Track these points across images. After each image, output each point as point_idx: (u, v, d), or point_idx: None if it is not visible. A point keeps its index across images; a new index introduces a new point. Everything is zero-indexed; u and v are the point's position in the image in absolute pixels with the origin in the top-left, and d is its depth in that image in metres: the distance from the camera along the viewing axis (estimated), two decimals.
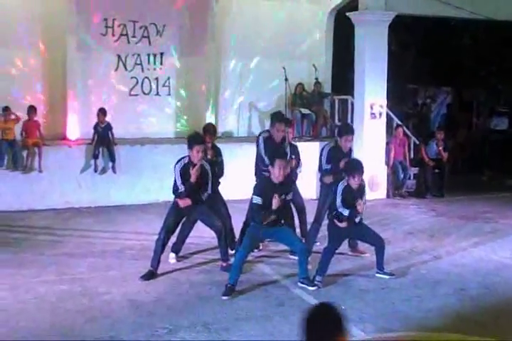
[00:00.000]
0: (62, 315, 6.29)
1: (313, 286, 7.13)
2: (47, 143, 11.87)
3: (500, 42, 18.28)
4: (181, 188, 7.50)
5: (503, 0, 14.37)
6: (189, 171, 7.48)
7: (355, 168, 7.53)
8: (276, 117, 8.67)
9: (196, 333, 5.86)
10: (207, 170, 7.69)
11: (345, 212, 7.35)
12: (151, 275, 7.52)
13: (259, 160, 8.49)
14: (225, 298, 6.81)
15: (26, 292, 6.96)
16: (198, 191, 7.60)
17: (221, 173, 8.43)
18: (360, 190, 7.54)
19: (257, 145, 8.57)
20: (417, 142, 14.45)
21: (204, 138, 8.06)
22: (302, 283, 7.19)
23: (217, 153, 8.51)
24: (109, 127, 12.15)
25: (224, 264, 7.76)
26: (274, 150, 8.12)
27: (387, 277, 7.56)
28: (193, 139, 7.62)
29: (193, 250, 8.66)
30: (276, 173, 7.06)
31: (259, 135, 8.76)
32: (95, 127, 12.16)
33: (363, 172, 7.51)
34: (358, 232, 7.68)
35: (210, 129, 8.78)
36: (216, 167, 8.27)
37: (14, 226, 10.22)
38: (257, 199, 7.09)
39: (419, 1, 13.48)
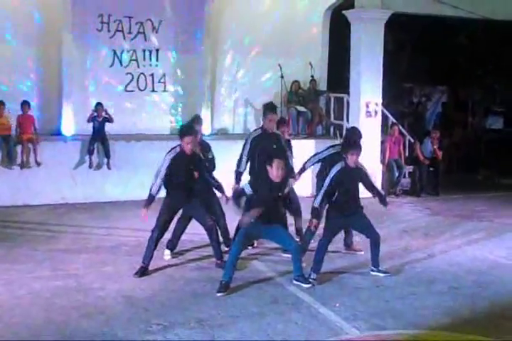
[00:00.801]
0: (56, 310, 6.28)
1: (307, 284, 7.13)
2: (42, 138, 11.82)
3: (497, 42, 18.29)
4: (157, 185, 7.52)
5: None
6: (180, 161, 7.50)
7: (351, 144, 7.71)
8: (268, 107, 8.59)
9: (190, 329, 5.86)
10: (200, 159, 7.78)
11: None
12: (143, 271, 7.51)
13: (240, 158, 8.45)
14: (219, 294, 6.80)
15: (20, 287, 6.95)
16: (190, 181, 7.65)
17: (213, 168, 8.47)
18: (359, 172, 7.65)
19: (244, 143, 8.48)
20: (412, 140, 14.47)
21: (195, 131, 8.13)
22: (297, 280, 7.19)
23: (207, 149, 8.48)
24: (105, 122, 12.13)
25: (218, 262, 7.77)
26: (271, 148, 8.13)
27: (381, 275, 7.57)
28: (183, 130, 7.63)
29: (188, 247, 8.67)
30: (275, 173, 7.03)
31: (250, 134, 8.68)
32: (93, 121, 12.11)
33: (360, 148, 7.70)
34: (355, 222, 7.73)
35: (200, 121, 8.80)
36: (207, 163, 8.32)
37: (9, 222, 10.20)
38: (247, 187, 7.08)
39: (415, 0, 13.49)
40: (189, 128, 7.80)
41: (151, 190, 7.60)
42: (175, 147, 7.67)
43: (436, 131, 14.21)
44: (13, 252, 8.39)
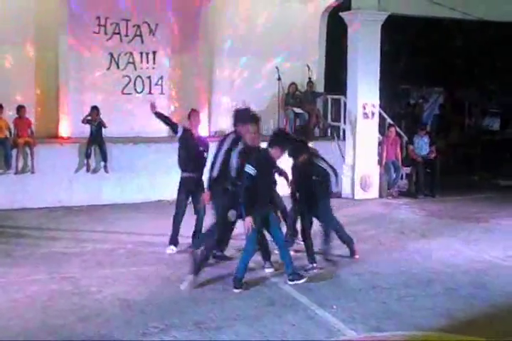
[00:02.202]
0: (53, 313, 6.28)
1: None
2: (39, 141, 11.82)
3: (493, 43, 18.34)
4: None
5: (495, 1, 14.43)
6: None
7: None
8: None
9: (188, 332, 5.86)
10: None
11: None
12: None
13: None
14: (236, 291, 6.94)
15: (17, 291, 6.94)
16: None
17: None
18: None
19: None
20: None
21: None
22: (291, 280, 7.17)
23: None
24: (101, 125, 12.12)
25: (191, 250, 7.97)
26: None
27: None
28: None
29: (185, 250, 8.67)
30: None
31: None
32: (89, 124, 12.07)
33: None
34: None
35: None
36: None
37: (6, 225, 10.20)
38: (250, 169, 7.00)
39: (411, 2, 13.51)
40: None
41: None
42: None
43: (422, 127, 14.20)
44: (10, 255, 8.38)
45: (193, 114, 8.99)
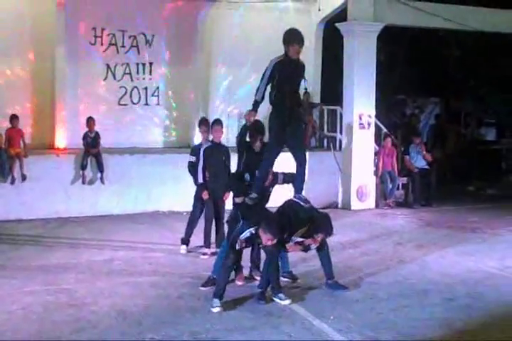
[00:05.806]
0: (48, 325, 6.24)
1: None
2: (35, 152, 11.80)
3: (489, 53, 18.40)
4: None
5: (490, 11, 14.52)
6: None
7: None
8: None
9: None
10: None
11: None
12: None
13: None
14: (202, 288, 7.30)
15: (13, 302, 6.90)
16: None
17: None
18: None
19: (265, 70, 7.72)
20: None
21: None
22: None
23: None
24: (98, 136, 12.12)
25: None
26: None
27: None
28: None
29: (183, 262, 8.67)
30: None
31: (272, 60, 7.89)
32: (84, 137, 12.09)
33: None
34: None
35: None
36: None
37: (1, 236, 10.16)
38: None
39: (407, 13, 13.58)
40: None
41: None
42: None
43: (417, 137, 14.25)
44: (6, 267, 8.34)
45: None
